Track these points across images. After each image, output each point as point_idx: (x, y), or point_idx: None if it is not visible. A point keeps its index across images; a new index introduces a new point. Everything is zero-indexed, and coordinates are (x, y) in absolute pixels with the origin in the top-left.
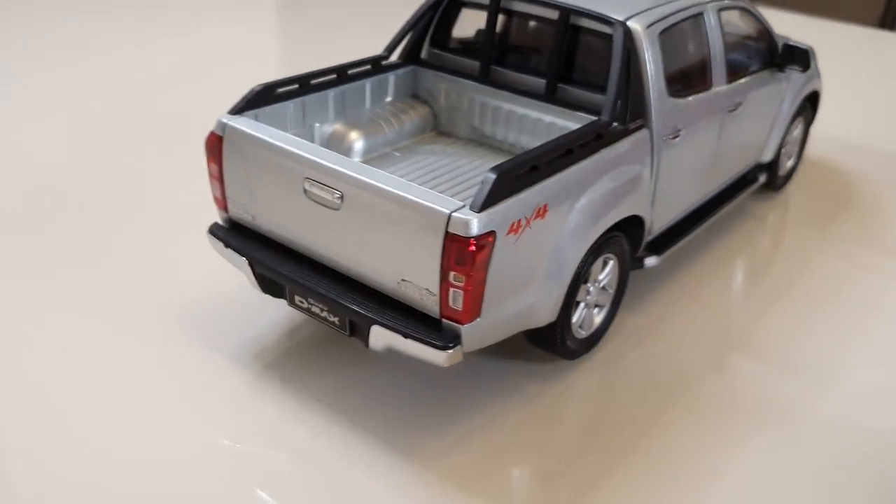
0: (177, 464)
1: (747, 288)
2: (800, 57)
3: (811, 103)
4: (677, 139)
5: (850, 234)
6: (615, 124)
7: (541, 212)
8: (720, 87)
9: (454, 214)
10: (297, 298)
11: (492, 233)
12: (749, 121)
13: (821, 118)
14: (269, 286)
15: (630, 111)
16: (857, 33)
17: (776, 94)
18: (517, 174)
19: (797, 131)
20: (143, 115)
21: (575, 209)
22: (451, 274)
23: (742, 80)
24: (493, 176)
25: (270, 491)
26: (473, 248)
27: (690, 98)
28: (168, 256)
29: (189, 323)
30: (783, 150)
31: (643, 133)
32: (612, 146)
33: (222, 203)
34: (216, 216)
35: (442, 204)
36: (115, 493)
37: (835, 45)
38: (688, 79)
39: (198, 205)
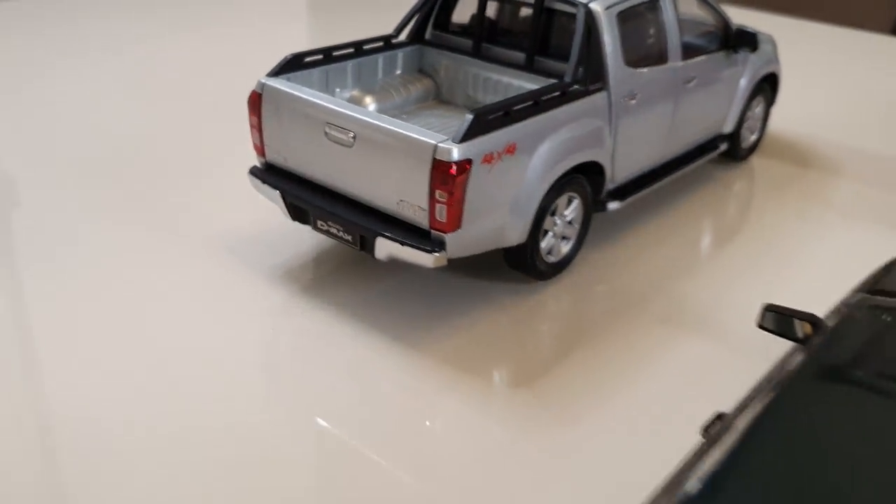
0: (219, 352)
1: (705, 237)
2: (749, 39)
3: (770, 86)
4: (633, 101)
5: (801, 195)
6: (576, 86)
7: (510, 149)
8: (675, 62)
9: (439, 145)
10: (318, 222)
11: (469, 160)
12: (704, 94)
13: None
14: (297, 213)
15: (590, 76)
16: (867, 39)
17: (731, 72)
18: (491, 117)
19: (759, 109)
20: (196, 91)
21: (539, 150)
22: (437, 192)
23: (697, 59)
24: (471, 116)
25: (304, 372)
26: (454, 171)
27: (646, 69)
28: (221, 195)
29: (236, 249)
30: (745, 125)
31: (602, 94)
32: (573, 103)
33: (260, 149)
34: (256, 161)
35: (430, 137)
36: (169, 379)
37: (841, 48)
38: (644, 53)
39: (244, 157)
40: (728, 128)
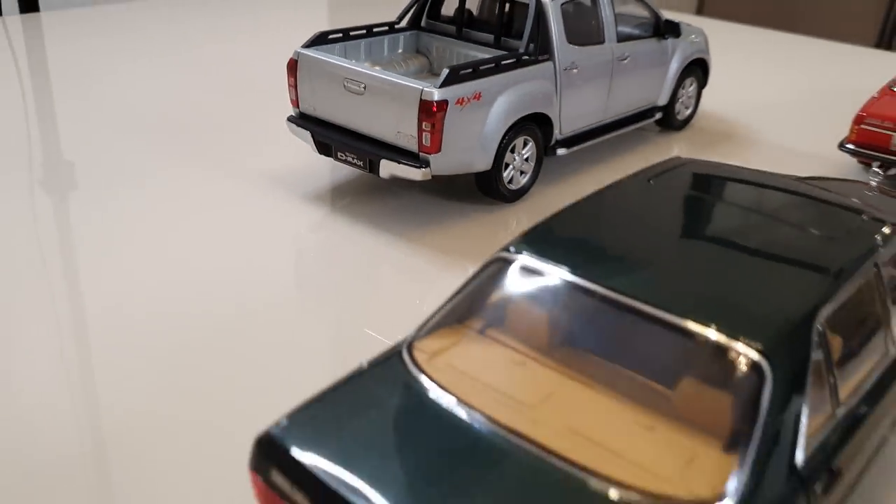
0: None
1: None
2: (673, 28)
3: (702, 70)
4: (575, 71)
5: (722, 156)
6: (527, 56)
7: (477, 96)
8: (611, 44)
9: (424, 89)
10: (338, 154)
11: (445, 101)
12: (637, 69)
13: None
14: (323, 148)
15: (539, 50)
16: (851, 51)
17: (661, 54)
18: (462, 72)
19: (691, 88)
20: (241, 76)
21: (499, 99)
22: (423, 124)
23: (630, 42)
24: (447, 70)
25: (331, 260)
26: (435, 108)
27: (585, 47)
28: (265, 144)
29: (276, 182)
30: (680, 101)
31: (548, 64)
32: (525, 68)
33: (295, 102)
34: (291, 113)
35: (419, 84)
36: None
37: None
38: (584, 35)
39: (279, 117)
40: (662, 100)
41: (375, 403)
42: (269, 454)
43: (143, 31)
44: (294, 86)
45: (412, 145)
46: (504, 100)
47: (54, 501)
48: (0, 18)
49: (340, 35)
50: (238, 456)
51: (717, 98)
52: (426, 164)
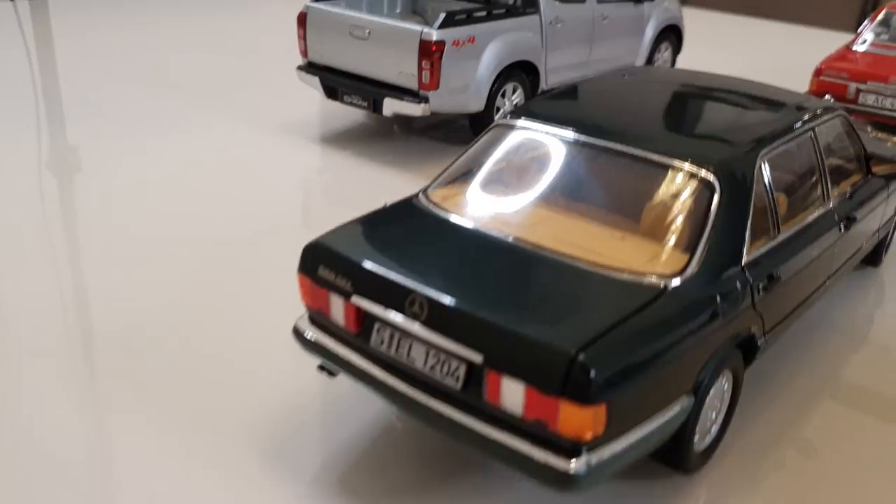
0: None
1: None
2: None
3: (676, 36)
4: (559, 25)
5: None
6: (518, 8)
7: (471, 39)
8: (592, 4)
9: (424, 30)
10: (345, 96)
11: (443, 41)
12: (616, 29)
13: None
14: (330, 92)
15: (526, 4)
16: (829, 36)
17: (638, 18)
18: (457, 17)
19: (667, 53)
20: (245, 43)
21: (490, 45)
22: (423, 62)
23: (610, 4)
24: (444, 14)
25: (339, 191)
26: (434, 48)
27: (569, 4)
28: (277, 95)
29: (286, 127)
30: (656, 64)
31: (535, 16)
32: (513, 18)
33: (304, 52)
34: (300, 63)
35: (418, 26)
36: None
37: (797, 43)
38: None
39: (290, 69)
40: (640, 60)
41: (400, 224)
42: (316, 255)
43: (149, 11)
44: (303, 37)
45: (413, 84)
46: (495, 45)
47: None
48: (12, 2)
49: None
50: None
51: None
52: (426, 100)
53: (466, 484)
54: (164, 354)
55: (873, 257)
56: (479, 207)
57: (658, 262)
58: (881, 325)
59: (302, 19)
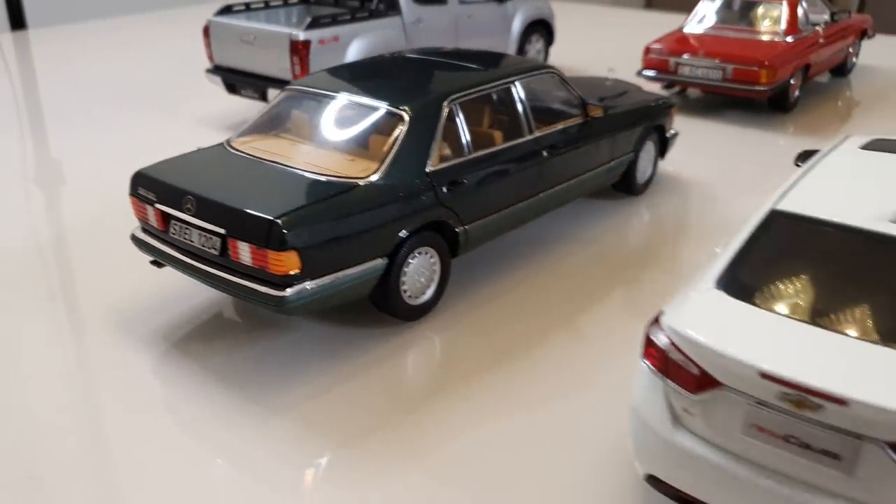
0: None
1: None
2: None
3: (546, 30)
4: (421, 24)
5: None
6: (381, 10)
7: (335, 38)
8: (454, 5)
9: (292, 32)
10: (241, 90)
11: (309, 41)
12: (480, 27)
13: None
14: (231, 88)
15: (388, 8)
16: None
17: (503, 15)
18: (322, 20)
19: (539, 45)
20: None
21: (354, 42)
22: (293, 58)
23: (473, 4)
24: (310, 18)
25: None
26: (301, 46)
27: (429, 6)
28: (194, 91)
29: (203, 118)
30: (529, 55)
31: (397, 18)
32: (376, 20)
33: (211, 57)
34: (208, 66)
35: (289, 29)
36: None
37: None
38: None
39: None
40: (510, 52)
41: (202, 158)
42: (137, 180)
43: (118, 37)
44: (208, 45)
45: (288, 76)
46: (358, 43)
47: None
48: None
49: (243, 7)
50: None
51: (569, 58)
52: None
53: (280, 343)
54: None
55: (627, 187)
56: (256, 144)
57: (357, 169)
58: (623, 245)
59: (206, 31)
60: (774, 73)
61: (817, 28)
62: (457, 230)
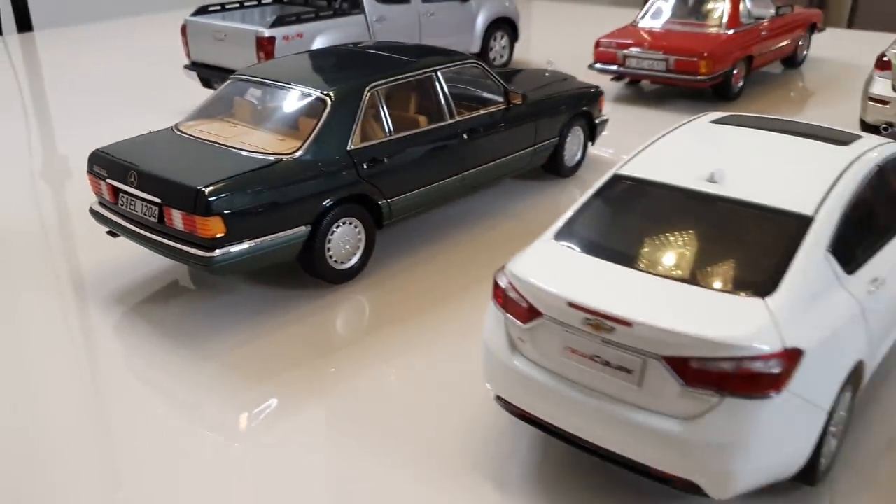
0: None
1: None
2: None
3: (510, 26)
4: (385, 22)
5: None
6: (345, 9)
7: (299, 35)
8: (417, 3)
9: (258, 29)
10: (215, 84)
11: (273, 37)
12: (444, 25)
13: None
14: (205, 82)
15: (351, 6)
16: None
17: (466, 13)
18: (288, 18)
19: (503, 41)
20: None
21: (317, 38)
22: (259, 53)
23: (436, 3)
24: (275, 17)
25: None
26: (266, 42)
27: (392, 4)
28: (173, 85)
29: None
30: (495, 51)
31: (360, 16)
32: (339, 18)
33: (188, 54)
34: (186, 62)
35: (256, 26)
36: None
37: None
38: None
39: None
40: (474, 48)
41: (151, 140)
42: (92, 159)
43: (120, 38)
44: (186, 43)
45: None
46: (321, 39)
47: None
48: (1, 38)
49: (219, 7)
50: None
51: (539, 53)
52: None
53: (220, 303)
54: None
55: (555, 169)
56: (200, 126)
57: (284, 147)
58: (548, 220)
59: (183, 30)
60: (714, 63)
61: (762, 22)
62: (379, 203)
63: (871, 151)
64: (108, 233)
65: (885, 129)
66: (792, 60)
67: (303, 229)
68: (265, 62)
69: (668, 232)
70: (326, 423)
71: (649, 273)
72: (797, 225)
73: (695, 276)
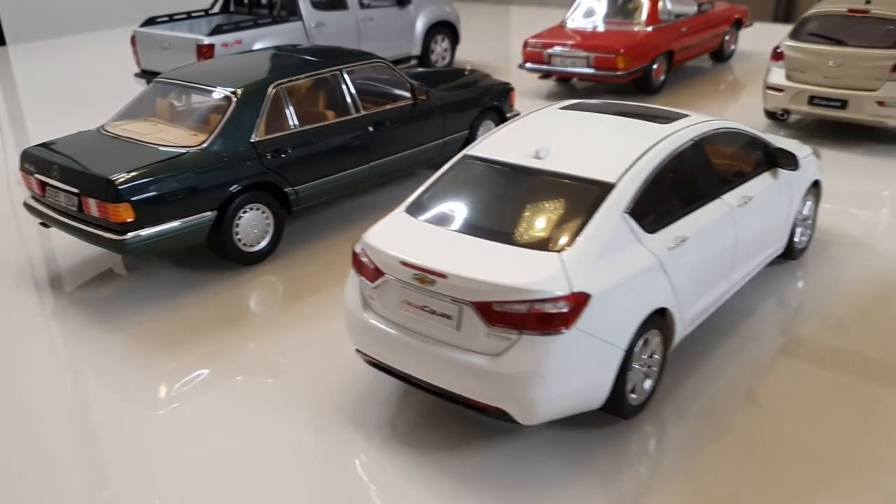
0: None
1: None
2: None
3: (451, 30)
4: (323, 27)
5: None
6: (282, 16)
7: (238, 41)
8: (355, 10)
9: (198, 37)
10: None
11: (213, 45)
12: (383, 30)
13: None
14: None
15: (289, 13)
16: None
17: (404, 18)
18: (226, 26)
19: (444, 44)
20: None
21: (255, 44)
22: (200, 60)
23: (373, 9)
24: (214, 25)
25: None
26: (205, 49)
27: (330, 11)
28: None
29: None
30: (436, 53)
31: (298, 23)
32: (277, 25)
33: (139, 62)
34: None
35: (195, 36)
36: None
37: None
38: (329, 3)
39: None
40: (415, 51)
41: (79, 138)
42: (23, 157)
43: (91, 51)
44: (136, 52)
45: None
46: (260, 45)
47: None
48: None
49: (167, 18)
50: None
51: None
52: None
53: (141, 283)
54: None
55: None
56: (124, 126)
57: (193, 140)
58: None
59: (133, 40)
60: (630, 59)
61: (682, 18)
62: (286, 191)
63: (690, 128)
64: (41, 224)
65: (782, 115)
66: (719, 54)
67: (209, 214)
68: (186, 66)
69: (495, 201)
70: (230, 384)
71: (472, 236)
72: (600, 192)
73: (509, 237)
